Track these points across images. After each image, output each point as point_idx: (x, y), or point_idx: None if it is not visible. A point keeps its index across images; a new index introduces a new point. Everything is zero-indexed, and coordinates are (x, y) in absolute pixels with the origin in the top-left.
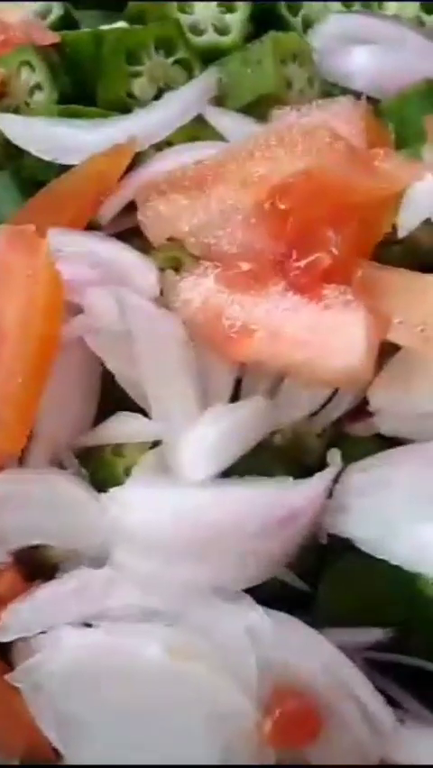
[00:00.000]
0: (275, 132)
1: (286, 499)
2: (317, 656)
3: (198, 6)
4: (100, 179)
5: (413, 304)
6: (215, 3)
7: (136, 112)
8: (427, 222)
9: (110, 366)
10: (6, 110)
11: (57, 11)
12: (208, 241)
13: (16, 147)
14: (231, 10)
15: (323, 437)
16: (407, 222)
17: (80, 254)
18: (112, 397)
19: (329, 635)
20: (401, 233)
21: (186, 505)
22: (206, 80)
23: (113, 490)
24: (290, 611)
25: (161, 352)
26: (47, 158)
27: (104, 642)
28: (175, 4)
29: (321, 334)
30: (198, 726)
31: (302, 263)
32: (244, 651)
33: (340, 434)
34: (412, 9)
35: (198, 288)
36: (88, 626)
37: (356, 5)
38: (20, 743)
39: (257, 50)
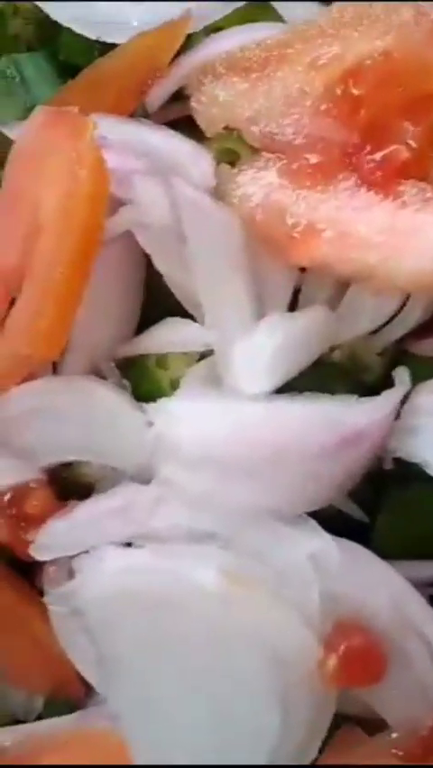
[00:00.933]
0: (351, 8)
1: (351, 418)
2: (384, 589)
3: None
4: (149, 59)
5: None
6: None
7: None
8: None
9: (158, 265)
10: None
11: None
12: (271, 129)
13: (53, 25)
14: None
15: (384, 355)
16: None
17: (126, 142)
18: (156, 302)
19: None
20: None
21: (242, 419)
22: None
23: (159, 402)
24: None
25: (215, 251)
26: (89, 35)
27: (151, 564)
28: None
29: (396, 235)
30: (255, 661)
31: (377, 156)
32: (306, 579)
33: (403, 352)
34: None
35: (259, 182)
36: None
37: None
38: (46, 677)
39: None
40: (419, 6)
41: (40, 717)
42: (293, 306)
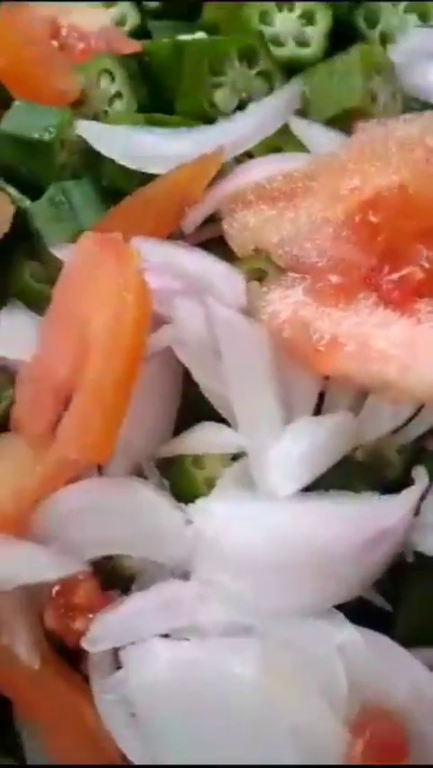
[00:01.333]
0: (369, 144)
1: (378, 518)
2: (406, 676)
3: (279, 18)
4: (186, 188)
5: None
6: (295, 15)
7: (221, 122)
8: None
9: (196, 377)
10: (85, 118)
11: (132, 20)
12: (296, 253)
13: (96, 155)
14: (311, 22)
15: (403, 453)
16: None
17: (166, 264)
18: (192, 408)
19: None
20: None
21: (278, 521)
22: (291, 91)
23: (199, 502)
24: None
25: (248, 364)
26: (132, 166)
27: (195, 656)
28: (255, 15)
29: (413, 349)
30: (287, 746)
31: (394, 277)
32: (335, 669)
33: (420, 449)
34: None
35: (286, 300)
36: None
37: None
38: (89, 760)
39: (344, 62)
40: (429, 146)
41: None
42: (318, 410)
